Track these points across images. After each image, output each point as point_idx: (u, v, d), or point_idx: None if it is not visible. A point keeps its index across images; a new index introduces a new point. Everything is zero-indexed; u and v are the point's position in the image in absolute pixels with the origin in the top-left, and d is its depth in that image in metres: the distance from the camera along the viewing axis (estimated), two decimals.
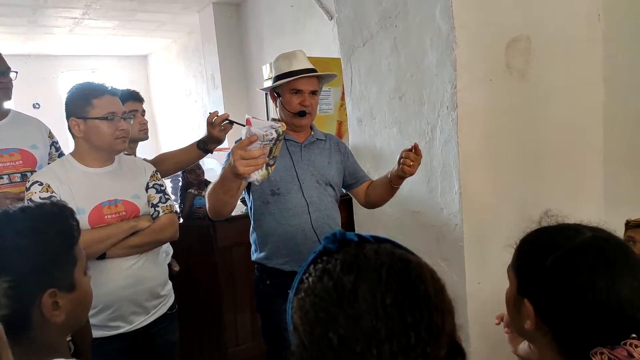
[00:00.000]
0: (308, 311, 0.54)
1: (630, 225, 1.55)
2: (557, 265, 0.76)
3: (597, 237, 0.78)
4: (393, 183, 1.67)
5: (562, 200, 2.06)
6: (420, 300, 0.53)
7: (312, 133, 1.81)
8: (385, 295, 0.51)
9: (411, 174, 1.61)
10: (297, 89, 1.69)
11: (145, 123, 2.07)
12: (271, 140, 1.26)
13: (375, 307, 0.51)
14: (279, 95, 1.73)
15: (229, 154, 1.71)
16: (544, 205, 2.05)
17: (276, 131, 1.25)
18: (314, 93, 1.72)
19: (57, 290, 0.83)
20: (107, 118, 1.51)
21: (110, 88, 1.58)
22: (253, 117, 1.26)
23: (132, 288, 1.52)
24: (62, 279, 0.84)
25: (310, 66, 1.73)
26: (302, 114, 1.69)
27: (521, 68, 1.96)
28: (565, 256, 0.77)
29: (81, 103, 1.52)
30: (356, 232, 0.62)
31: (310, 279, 0.57)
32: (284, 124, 1.30)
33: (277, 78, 1.72)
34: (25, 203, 1.39)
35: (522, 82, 1.97)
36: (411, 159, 1.58)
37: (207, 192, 1.55)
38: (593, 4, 2.09)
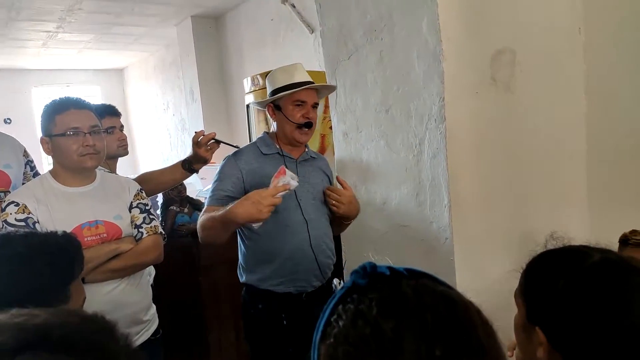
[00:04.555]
0: None
1: (630, 243, 1.50)
2: (569, 291, 0.74)
3: (606, 259, 0.76)
4: (342, 219, 1.68)
5: (549, 210, 2.07)
6: (473, 350, 0.46)
7: (306, 150, 1.78)
8: (433, 346, 0.45)
9: (340, 215, 1.60)
10: (300, 100, 1.65)
11: (124, 139, 2.01)
12: (293, 190, 1.45)
13: None
14: (278, 108, 1.69)
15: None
16: (533, 215, 2.07)
17: (297, 182, 1.45)
18: (314, 106, 1.69)
19: None
20: (66, 134, 1.43)
21: (77, 101, 1.49)
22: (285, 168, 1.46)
23: (111, 314, 1.41)
24: None
25: (310, 79, 1.71)
26: (308, 125, 1.66)
27: (506, 80, 1.97)
28: (577, 281, 0.74)
29: (46, 121, 1.46)
30: (371, 259, 0.56)
31: (340, 323, 0.50)
32: (297, 177, 1.45)
33: (277, 91, 1.68)
34: (0, 225, 1.31)
35: (507, 94, 1.98)
36: (333, 198, 1.56)
37: (201, 224, 1.56)
38: (574, 18, 2.12)
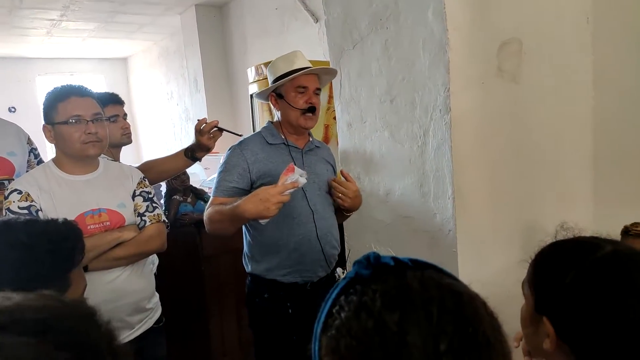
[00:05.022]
0: (343, 356, 0.46)
1: (631, 234, 1.49)
2: (578, 282, 0.72)
3: (617, 251, 0.74)
4: (344, 211, 1.70)
5: (554, 203, 2.06)
6: (480, 345, 0.45)
7: (311, 139, 1.77)
8: (439, 340, 0.43)
9: (345, 208, 1.63)
10: (302, 85, 1.64)
11: (127, 127, 2.00)
12: (301, 187, 1.43)
13: (427, 355, 0.43)
14: (280, 97, 1.68)
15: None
16: (537, 208, 2.05)
17: (305, 179, 1.44)
18: (317, 92, 1.68)
19: None
20: (68, 122, 1.42)
21: (79, 89, 1.48)
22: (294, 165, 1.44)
23: (114, 302, 1.44)
24: None
25: (311, 65, 1.69)
26: (312, 109, 1.64)
27: (512, 71, 1.94)
28: (586, 272, 0.73)
29: (48, 108, 1.46)
30: (375, 250, 0.53)
31: (343, 314, 0.48)
32: (305, 173, 1.44)
33: (278, 79, 1.66)
34: (4, 213, 1.31)
35: (513, 85, 1.95)
36: (339, 190, 1.58)
37: (208, 217, 1.57)
38: (582, 7, 2.09)
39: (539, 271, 0.80)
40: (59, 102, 1.43)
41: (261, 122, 3.77)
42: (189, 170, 3.14)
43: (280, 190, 1.37)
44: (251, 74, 3.74)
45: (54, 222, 0.86)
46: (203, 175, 4.61)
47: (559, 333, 0.74)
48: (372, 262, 0.52)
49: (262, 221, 1.43)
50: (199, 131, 1.72)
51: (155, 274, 1.92)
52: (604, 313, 0.70)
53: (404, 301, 0.46)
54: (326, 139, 3.26)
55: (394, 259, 0.52)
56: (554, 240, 0.82)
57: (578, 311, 0.72)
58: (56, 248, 0.78)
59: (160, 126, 7.43)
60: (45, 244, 0.78)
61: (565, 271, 0.74)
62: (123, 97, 2.11)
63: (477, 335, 0.45)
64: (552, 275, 0.76)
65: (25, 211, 1.36)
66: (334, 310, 0.50)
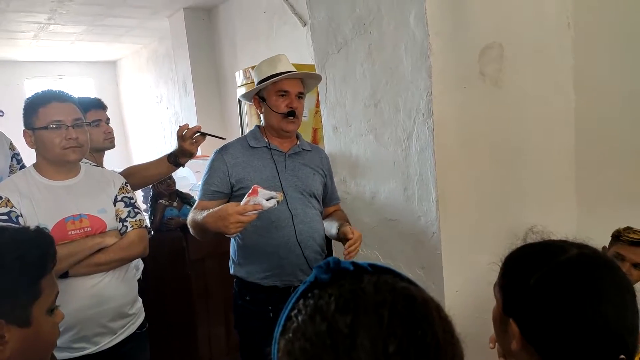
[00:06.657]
0: (297, 358, 0.47)
1: (622, 239, 1.47)
2: (541, 285, 0.74)
3: (582, 255, 0.75)
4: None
5: (536, 205, 2.08)
6: (429, 346, 0.46)
7: (298, 142, 1.77)
8: (387, 342, 0.44)
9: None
10: (283, 89, 1.64)
11: (110, 132, 1.99)
12: (267, 209, 1.37)
13: (376, 357, 0.44)
14: (263, 100, 1.68)
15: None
16: (520, 210, 2.07)
17: (277, 202, 1.37)
18: (300, 96, 1.69)
19: (5, 322, 0.75)
20: (48, 127, 1.42)
21: (59, 94, 1.48)
22: (259, 187, 1.38)
23: (95, 308, 1.43)
24: (14, 310, 0.76)
25: (294, 69, 1.70)
26: (291, 113, 1.65)
27: (494, 75, 1.96)
28: (550, 275, 0.74)
29: (29, 113, 1.45)
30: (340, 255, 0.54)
31: (299, 318, 0.49)
32: (281, 194, 1.40)
33: (261, 82, 1.67)
34: None
35: (495, 89, 1.97)
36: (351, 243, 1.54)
37: (188, 222, 1.60)
38: (563, 12, 2.11)
39: (507, 273, 0.81)
40: (40, 107, 1.43)
41: (249, 126, 3.77)
42: (179, 174, 3.13)
43: (239, 210, 1.35)
44: (239, 77, 3.74)
45: (23, 229, 0.86)
46: (193, 179, 4.59)
47: (524, 334, 0.75)
48: (332, 266, 0.52)
49: (228, 235, 1.42)
50: (180, 137, 1.73)
51: (140, 278, 1.92)
52: (565, 315, 0.71)
53: (356, 304, 0.47)
54: (314, 142, 3.27)
55: (354, 263, 0.53)
56: (523, 243, 0.83)
57: (541, 313, 0.73)
58: (25, 255, 0.78)
59: (150, 130, 7.40)
60: (13, 251, 0.77)
61: (530, 273, 0.75)
62: (112, 100, 2.11)
63: (426, 337, 0.46)
64: (518, 278, 0.78)
65: (5, 217, 1.35)
66: (292, 314, 0.51)
